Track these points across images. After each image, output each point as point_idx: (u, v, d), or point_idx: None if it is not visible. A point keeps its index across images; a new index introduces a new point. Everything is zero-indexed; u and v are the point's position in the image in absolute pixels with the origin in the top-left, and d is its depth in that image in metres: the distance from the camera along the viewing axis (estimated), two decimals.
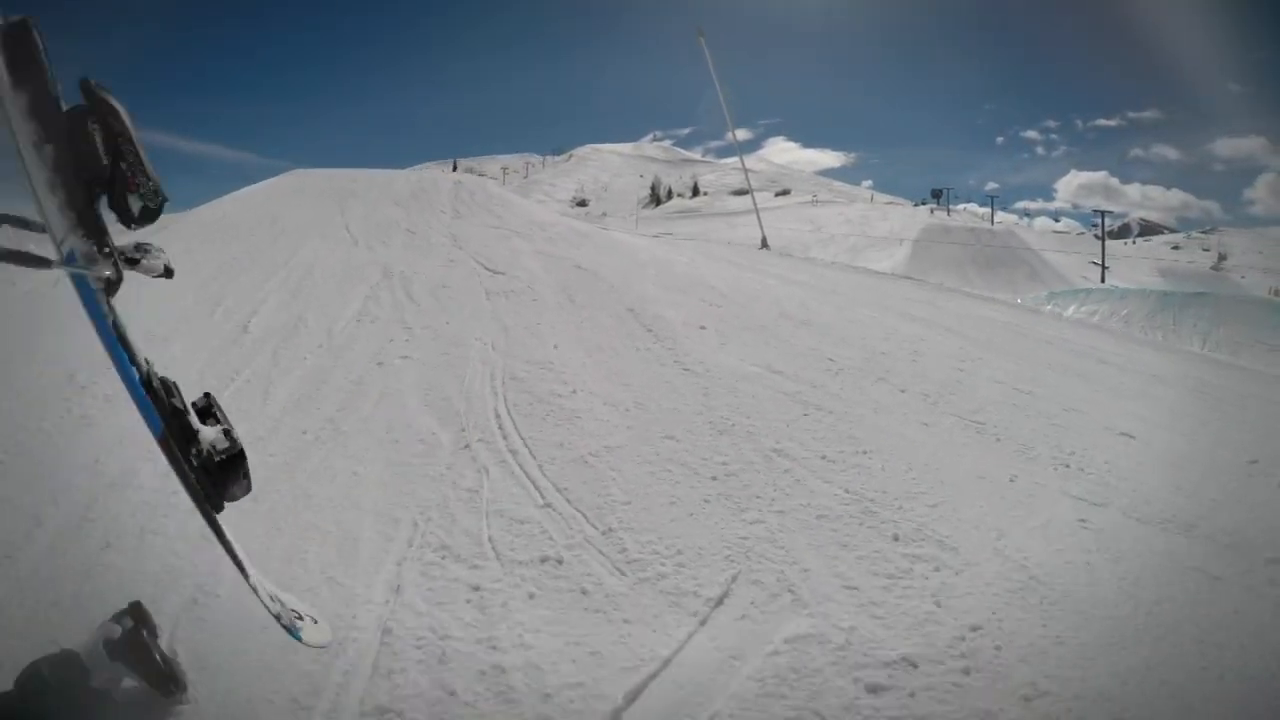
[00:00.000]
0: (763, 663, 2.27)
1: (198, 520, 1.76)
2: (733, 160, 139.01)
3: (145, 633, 2.24)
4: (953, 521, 3.17)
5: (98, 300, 1.59)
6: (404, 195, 13.03)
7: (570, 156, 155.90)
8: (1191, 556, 3.01)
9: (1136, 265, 60.12)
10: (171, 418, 1.72)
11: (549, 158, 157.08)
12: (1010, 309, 9.80)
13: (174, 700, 2.25)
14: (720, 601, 2.57)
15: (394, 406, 4.53)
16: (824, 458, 3.77)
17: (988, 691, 2.20)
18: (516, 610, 2.52)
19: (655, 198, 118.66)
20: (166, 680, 2.24)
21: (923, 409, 4.63)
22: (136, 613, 2.28)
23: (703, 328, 6.14)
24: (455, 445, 3.90)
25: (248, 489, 1.77)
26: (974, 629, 2.46)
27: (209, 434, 1.75)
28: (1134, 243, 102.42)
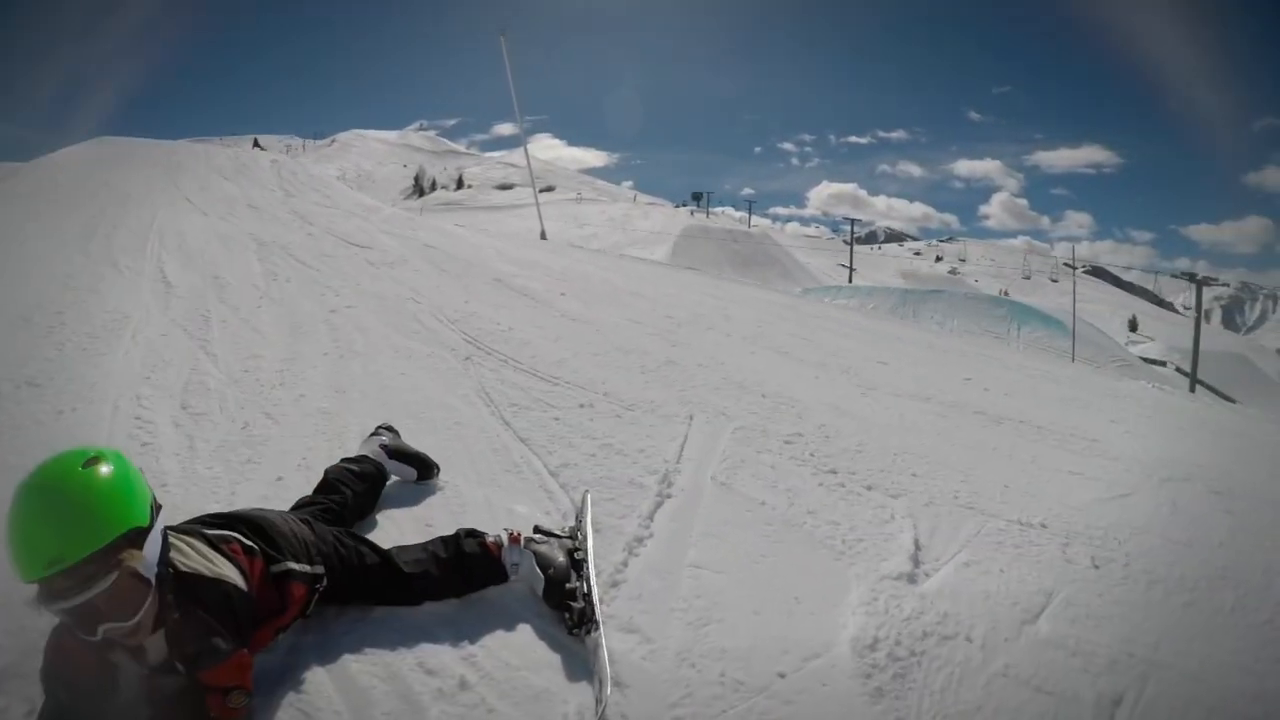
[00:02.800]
0: (729, 436, 4.64)
1: None
2: (498, 154, 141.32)
3: (400, 438, 3.93)
4: (792, 390, 5.73)
5: None
6: (229, 170, 13.98)
7: (333, 141, 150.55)
8: (930, 408, 5.85)
9: (881, 268, 67.62)
10: None
11: (310, 141, 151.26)
12: (781, 295, 12.78)
13: (435, 476, 3.80)
14: (691, 418, 4.89)
15: (379, 337, 6.24)
16: (700, 365, 6.18)
17: (833, 442, 4.72)
18: (585, 425, 4.65)
19: (419, 188, 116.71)
20: (428, 466, 3.83)
21: (746, 345, 7.20)
22: (389, 428, 4.00)
23: (563, 294, 8.35)
24: (457, 358, 5.81)
25: None
26: (821, 425, 4.99)
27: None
28: (880, 248, 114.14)
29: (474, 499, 3.72)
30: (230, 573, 2.39)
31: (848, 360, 7.01)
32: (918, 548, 3.59)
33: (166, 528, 2.33)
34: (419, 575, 2.88)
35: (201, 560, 2.36)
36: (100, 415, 4.60)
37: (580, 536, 3.22)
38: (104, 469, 2.15)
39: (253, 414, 4.67)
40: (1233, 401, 27.98)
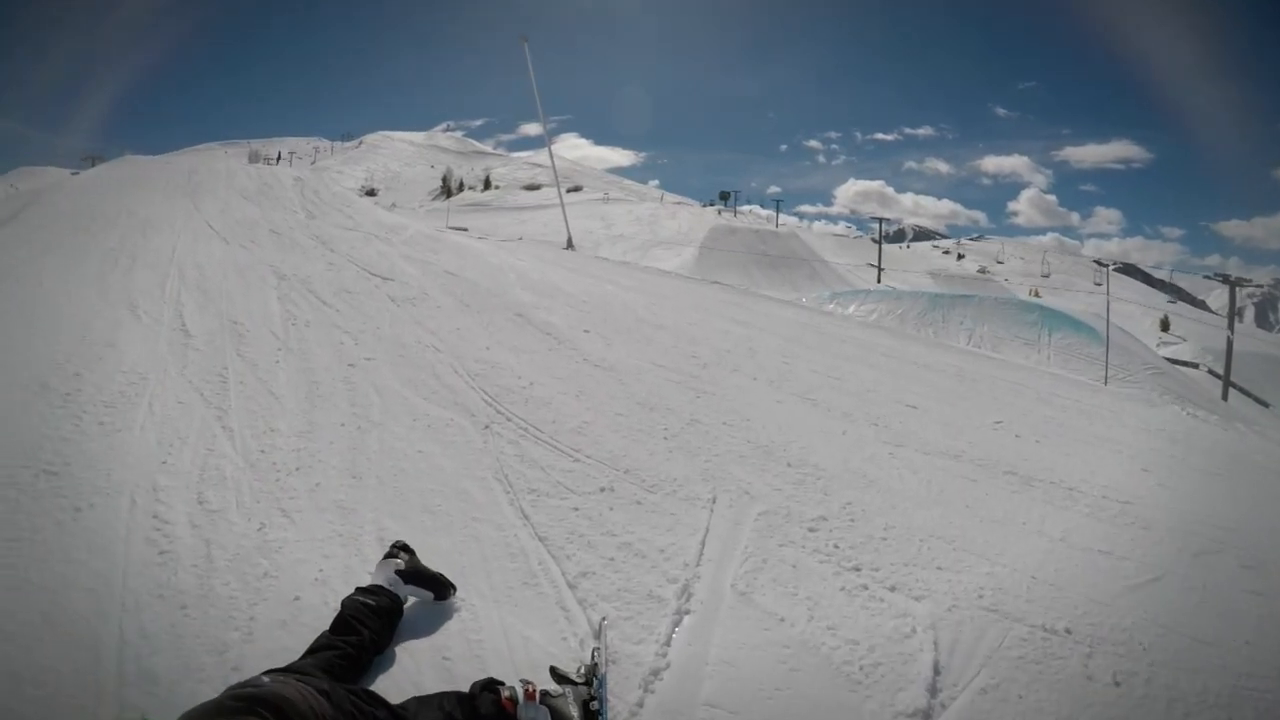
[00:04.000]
0: (754, 523, 4.62)
1: None
2: (525, 154, 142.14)
3: (416, 559, 3.90)
4: (819, 454, 5.67)
5: None
6: (252, 191, 14.01)
7: (360, 143, 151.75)
8: (959, 469, 5.73)
9: (910, 267, 66.74)
10: None
11: (338, 143, 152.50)
12: (807, 312, 12.64)
13: (452, 596, 3.79)
14: (714, 500, 4.87)
15: (397, 399, 6.23)
16: (725, 423, 6.14)
17: (858, 527, 4.68)
18: (605, 516, 4.64)
19: (446, 189, 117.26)
20: (445, 586, 3.84)
21: (771, 391, 7.11)
22: (405, 547, 3.95)
23: (586, 331, 8.32)
24: (476, 426, 5.80)
25: None
26: (847, 505, 4.94)
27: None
28: (908, 247, 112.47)
29: (490, 624, 3.72)
30: None
31: (875, 406, 6.92)
32: (936, 672, 3.56)
33: None
34: None
35: None
36: (118, 512, 4.61)
37: (596, 681, 3.21)
38: None
39: (269, 510, 4.67)
40: (1266, 405, 27.59)
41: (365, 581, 3.77)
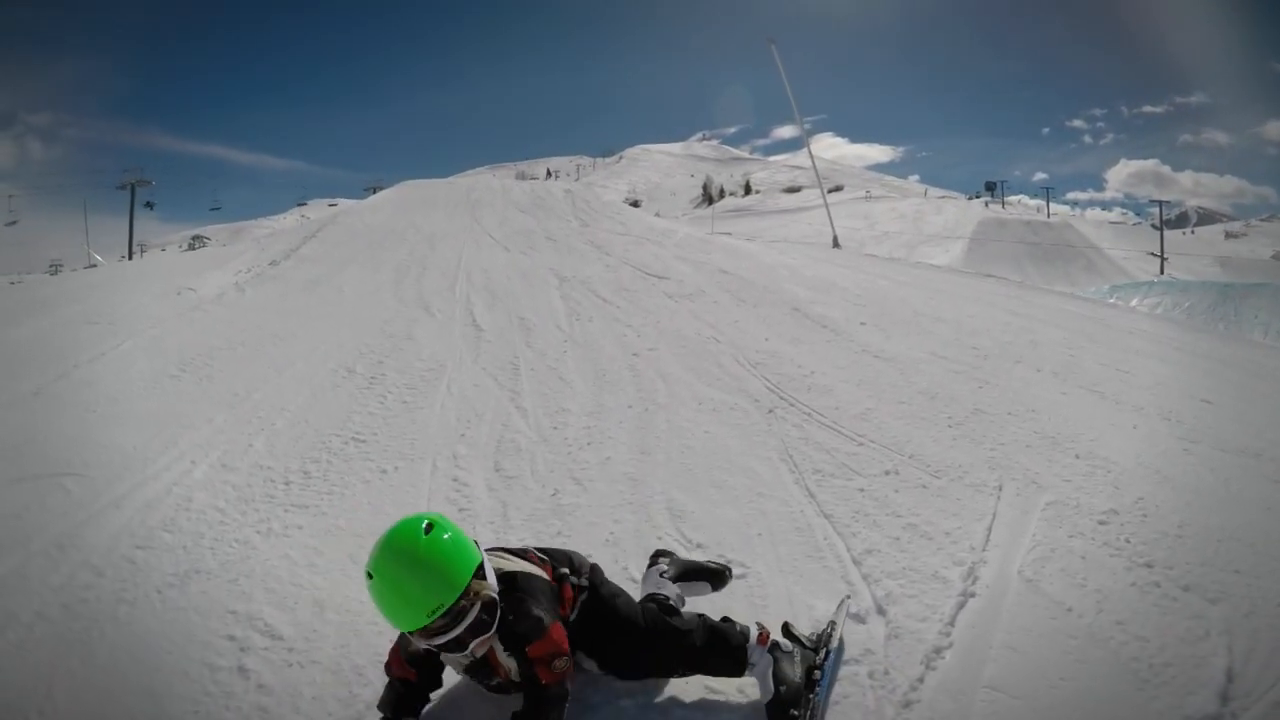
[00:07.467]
0: (1041, 512, 4.59)
1: None
2: (783, 157, 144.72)
3: (678, 558, 3.91)
4: (1108, 447, 5.51)
5: None
6: (526, 204, 15.14)
7: (620, 158, 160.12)
8: (1260, 469, 5.37)
9: (1195, 256, 61.49)
10: None
11: (599, 159, 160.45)
12: (1088, 304, 12.13)
13: (730, 579, 3.77)
14: (1001, 488, 4.88)
15: (682, 386, 6.67)
16: (1009, 413, 6.10)
17: (1150, 523, 4.47)
18: (891, 498, 4.77)
19: (707, 196, 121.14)
20: (721, 573, 3.77)
21: (1056, 383, 6.96)
22: (665, 553, 3.90)
23: (863, 324, 8.46)
24: (760, 410, 6.13)
25: None
26: (1139, 500, 4.73)
27: None
28: (1192, 232, 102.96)
29: (776, 592, 3.93)
30: (536, 570, 3.07)
31: (1167, 400, 6.56)
32: (1229, 679, 3.33)
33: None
34: (687, 632, 3.13)
35: (516, 562, 3.07)
36: (420, 475, 5.32)
37: (826, 652, 3.28)
38: (440, 530, 2.76)
39: (561, 479, 5.19)
40: None
41: (651, 544, 4.14)
